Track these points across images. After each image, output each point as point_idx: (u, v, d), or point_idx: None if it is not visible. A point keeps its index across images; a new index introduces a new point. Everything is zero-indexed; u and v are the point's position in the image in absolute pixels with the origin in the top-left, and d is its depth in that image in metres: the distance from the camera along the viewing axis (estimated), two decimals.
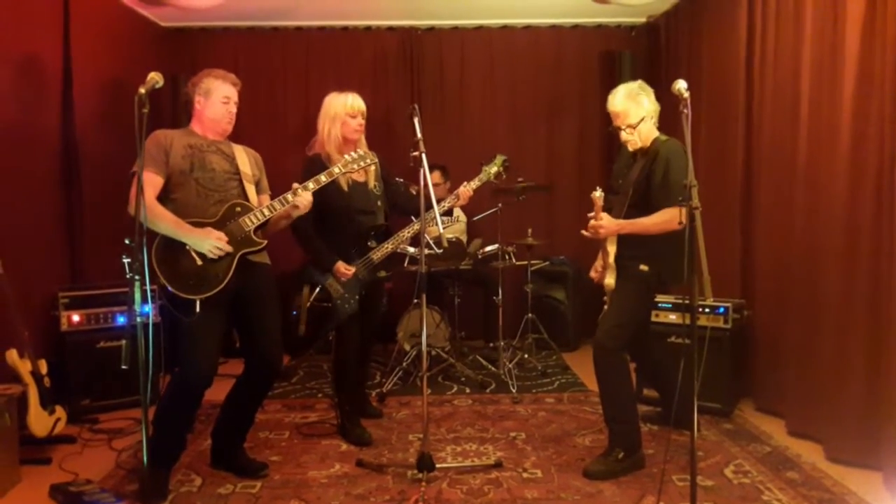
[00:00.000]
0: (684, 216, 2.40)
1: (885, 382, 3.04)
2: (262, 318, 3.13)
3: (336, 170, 3.16)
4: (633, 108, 3.13)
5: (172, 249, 2.87)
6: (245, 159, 3.16)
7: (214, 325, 2.95)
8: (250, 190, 3.10)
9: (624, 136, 3.18)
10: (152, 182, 2.92)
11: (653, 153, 3.12)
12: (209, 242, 2.87)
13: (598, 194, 3.10)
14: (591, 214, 3.13)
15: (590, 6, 5.29)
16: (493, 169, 3.83)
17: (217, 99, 3.07)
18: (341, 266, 3.51)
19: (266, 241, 3.07)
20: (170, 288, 2.84)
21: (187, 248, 2.86)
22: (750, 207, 4.22)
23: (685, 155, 2.52)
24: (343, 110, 3.50)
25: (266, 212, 3.01)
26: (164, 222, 2.86)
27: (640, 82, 3.21)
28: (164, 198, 2.96)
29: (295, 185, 3.07)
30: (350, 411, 3.72)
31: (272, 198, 3.17)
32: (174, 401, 2.96)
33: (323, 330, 3.86)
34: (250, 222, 2.99)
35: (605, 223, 3.11)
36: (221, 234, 2.91)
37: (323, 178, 3.11)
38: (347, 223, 3.54)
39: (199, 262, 2.88)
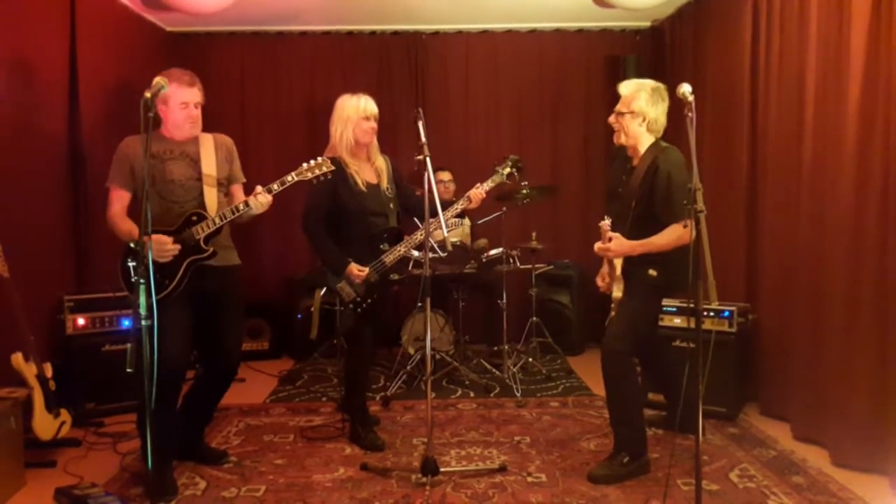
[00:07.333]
0: (689, 224, 2.40)
1: (891, 387, 3.03)
2: (222, 318, 3.23)
3: (289, 177, 3.13)
4: (631, 96, 3.13)
5: None
6: (212, 157, 3.18)
7: (179, 316, 3.02)
8: (210, 195, 3.14)
9: (611, 118, 3.21)
10: (119, 197, 3.08)
11: (652, 167, 3.07)
12: (156, 247, 2.88)
13: (606, 223, 3.13)
14: (599, 244, 3.15)
15: (594, 10, 5.29)
16: (507, 170, 3.74)
17: (175, 106, 3.06)
18: (354, 268, 3.43)
19: (212, 250, 3.10)
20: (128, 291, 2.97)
21: None
22: (755, 212, 4.21)
23: (685, 166, 2.51)
24: (356, 113, 3.45)
25: (217, 220, 3.06)
26: (124, 237, 3.00)
27: (658, 86, 3.14)
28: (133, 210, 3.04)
29: (258, 187, 3.09)
30: (363, 416, 3.72)
31: (249, 191, 3.24)
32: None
33: (333, 334, 3.84)
34: (202, 230, 3.05)
35: (615, 246, 3.10)
36: (164, 238, 2.93)
37: (275, 187, 3.11)
38: (361, 225, 3.49)
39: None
